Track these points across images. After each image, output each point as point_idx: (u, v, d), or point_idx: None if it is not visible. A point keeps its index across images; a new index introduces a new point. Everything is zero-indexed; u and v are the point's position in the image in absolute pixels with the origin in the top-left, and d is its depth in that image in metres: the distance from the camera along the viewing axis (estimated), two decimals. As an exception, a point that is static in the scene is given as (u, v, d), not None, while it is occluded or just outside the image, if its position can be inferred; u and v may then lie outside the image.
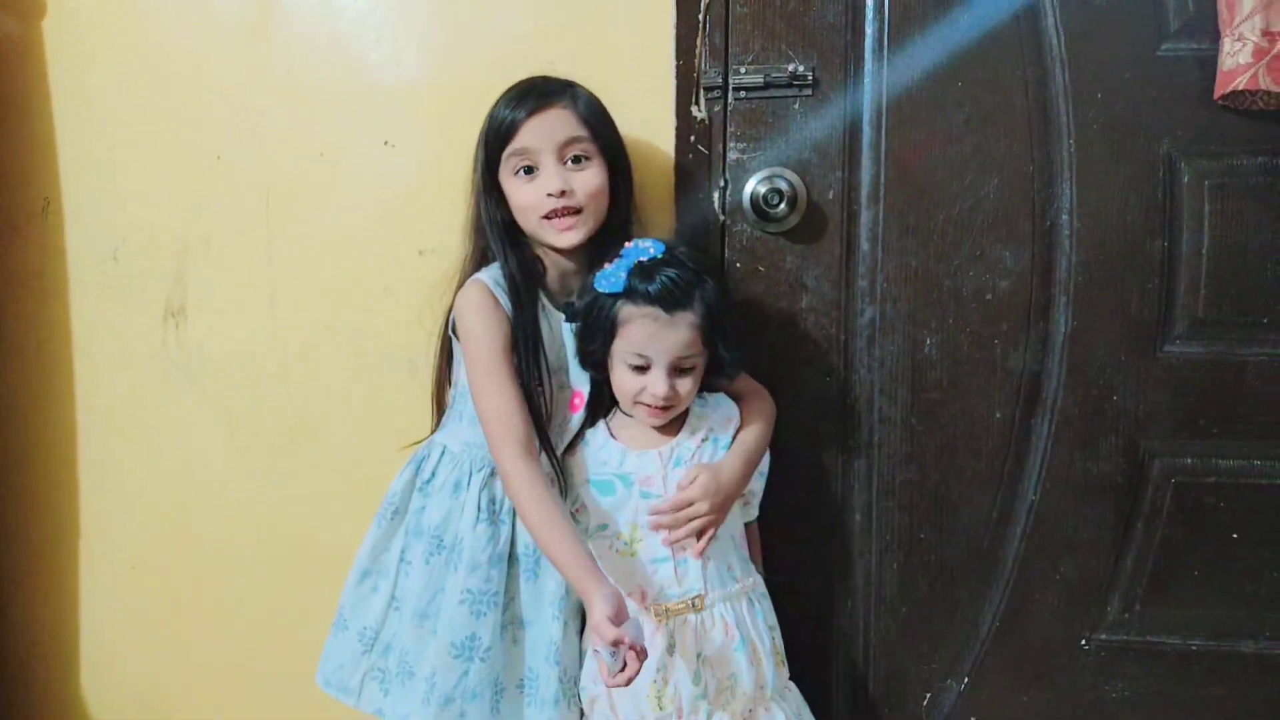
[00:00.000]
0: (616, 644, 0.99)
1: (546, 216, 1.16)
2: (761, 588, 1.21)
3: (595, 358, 1.17)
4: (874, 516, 1.33)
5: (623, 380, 1.15)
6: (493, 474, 1.19)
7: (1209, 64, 1.18)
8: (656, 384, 1.12)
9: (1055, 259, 1.27)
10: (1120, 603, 1.29)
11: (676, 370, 1.13)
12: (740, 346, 1.17)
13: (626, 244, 1.16)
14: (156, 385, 1.47)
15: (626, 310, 1.12)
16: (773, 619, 1.20)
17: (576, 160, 1.17)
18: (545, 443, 1.17)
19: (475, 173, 1.22)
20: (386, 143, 1.39)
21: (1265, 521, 1.26)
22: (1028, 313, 1.28)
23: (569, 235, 1.17)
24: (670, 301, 1.11)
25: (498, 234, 1.20)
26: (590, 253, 1.20)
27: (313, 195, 1.41)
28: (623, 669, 0.99)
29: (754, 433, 1.20)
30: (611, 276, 1.13)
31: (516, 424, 1.13)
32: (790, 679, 1.22)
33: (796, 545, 1.33)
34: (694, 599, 1.13)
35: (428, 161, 1.37)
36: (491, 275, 1.20)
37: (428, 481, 1.23)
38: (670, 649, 1.12)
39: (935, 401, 1.30)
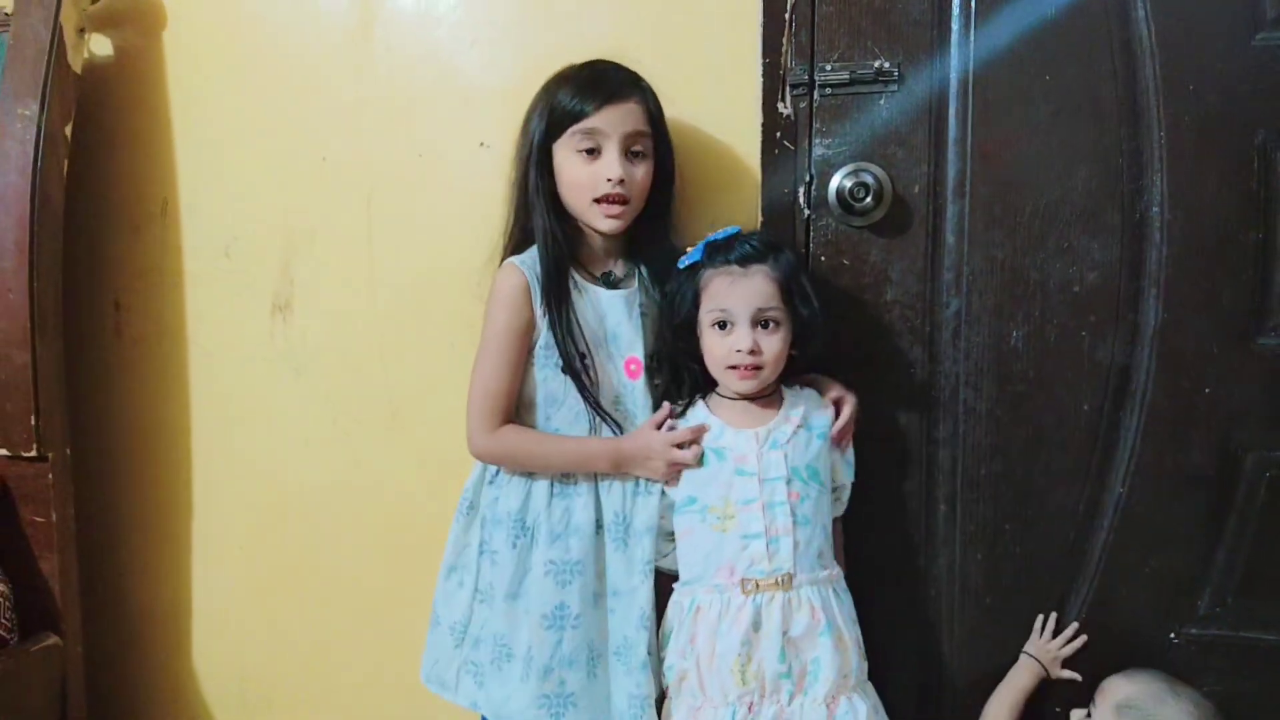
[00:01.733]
0: (675, 458, 1.18)
1: (597, 200, 1.21)
2: (843, 582, 1.23)
3: (684, 336, 1.22)
4: (958, 508, 1.34)
5: (712, 346, 1.20)
6: None
7: (1307, 53, 1.17)
8: (741, 339, 1.17)
9: (1145, 251, 1.26)
10: (1211, 597, 1.28)
11: (758, 325, 1.18)
12: (825, 310, 1.21)
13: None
14: (264, 374, 1.56)
15: (706, 275, 1.19)
16: (854, 613, 1.22)
17: (636, 154, 1.23)
18: (597, 408, 1.23)
19: (525, 142, 1.26)
20: (482, 144, 1.45)
21: (1365, 517, 1.24)
22: (1116, 305, 1.27)
23: (613, 222, 1.23)
24: (744, 258, 1.18)
25: (544, 204, 1.24)
26: (627, 233, 1.27)
27: (412, 194, 1.49)
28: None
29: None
30: (691, 255, 1.21)
31: (499, 403, 1.24)
32: (869, 667, 1.23)
33: (881, 535, 1.35)
34: (783, 577, 1.16)
35: (521, 161, 1.42)
36: (524, 259, 1.25)
37: (496, 474, 1.28)
38: (756, 626, 1.15)
39: (1021, 394, 1.31)
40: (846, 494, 1.28)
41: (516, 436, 1.25)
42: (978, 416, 1.32)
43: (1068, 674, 1.29)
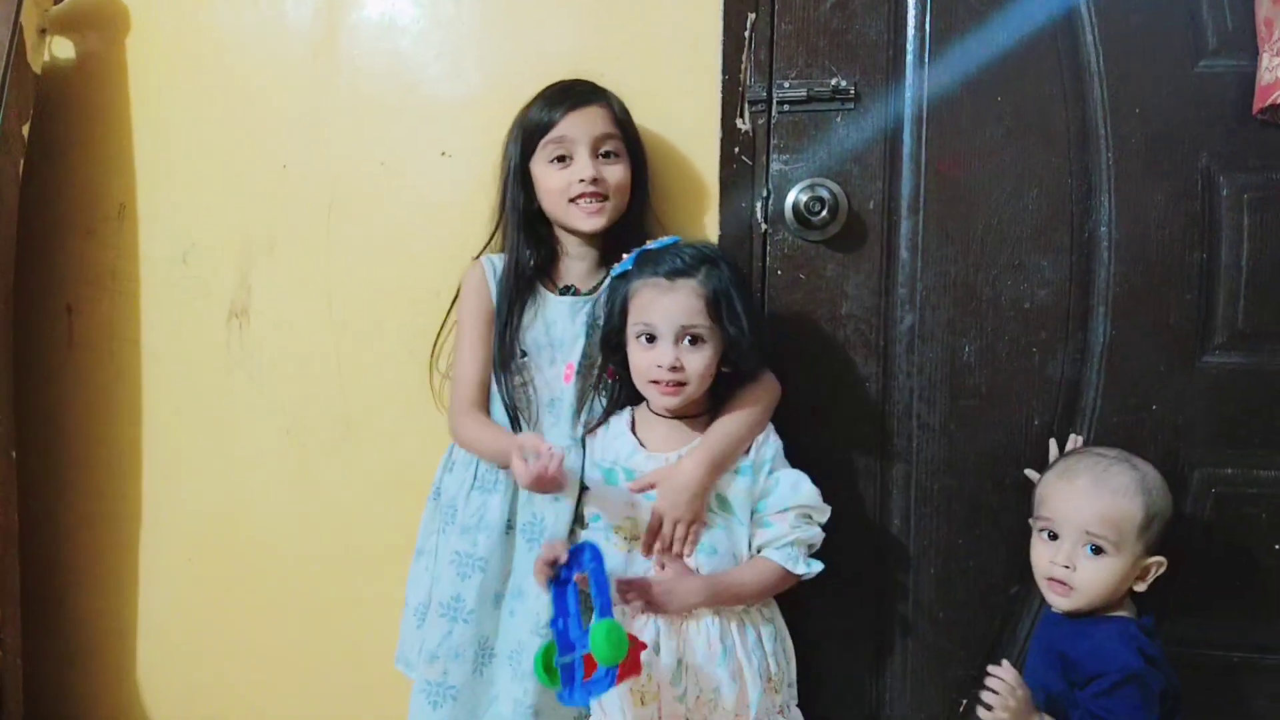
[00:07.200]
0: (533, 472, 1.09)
1: (574, 199, 1.23)
2: (767, 612, 1.20)
3: (614, 342, 1.21)
4: (912, 523, 1.35)
5: (637, 360, 1.18)
6: None
7: (1247, 79, 1.21)
8: (663, 354, 1.14)
9: (1094, 270, 1.29)
10: (1157, 613, 1.29)
11: (683, 342, 1.14)
12: (759, 332, 1.17)
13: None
14: (219, 383, 1.53)
15: (633, 285, 1.17)
16: (772, 645, 1.18)
17: (607, 155, 1.25)
18: (512, 406, 1.26)
19: (505, 161, 1.31)
20: (443, 153, 1.45)
21: (1308, 533, 1.26)
22: (1066, 322, 1.29)
23: (594, 219, 1.25)
24: (672, 271, 1.15)
25: (516, 219, 1.29)
26: (605, 242, 1.29)
27: (373, 203, 1.48)
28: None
29: (724, 426, 1.18)
30: (623, 264, 1.20)
31: (473, 387, 1.29)
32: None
33: (834, 551, 1.34)
34: None
35: (482, 171, 1.41)
36: (490, 259, 1.31)
37: (454, 463, 1.32)
38: (655, 648, 1.13)
39: (974, 409, 1.32)
40: (818, 517, 1.21)
41: (475, 423, 1.28)
42: (931, 431, 1.33)
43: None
